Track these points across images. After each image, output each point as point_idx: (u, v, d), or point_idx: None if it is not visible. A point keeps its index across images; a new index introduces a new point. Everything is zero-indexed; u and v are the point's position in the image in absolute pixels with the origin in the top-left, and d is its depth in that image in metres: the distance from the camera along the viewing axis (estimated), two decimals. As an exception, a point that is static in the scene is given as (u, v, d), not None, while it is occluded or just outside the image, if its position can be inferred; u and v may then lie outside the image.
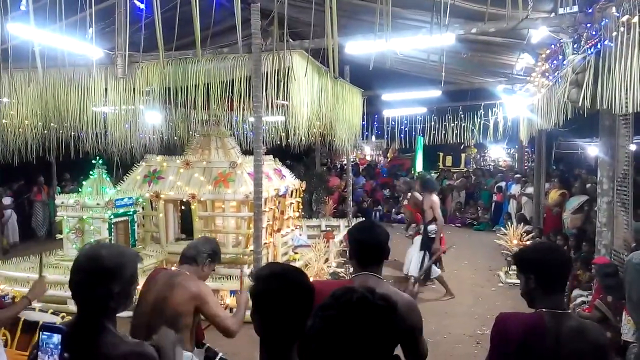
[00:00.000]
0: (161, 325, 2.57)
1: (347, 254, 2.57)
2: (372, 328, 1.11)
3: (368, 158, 19.58)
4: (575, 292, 6.31)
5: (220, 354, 3.15)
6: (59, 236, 6.96)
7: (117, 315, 1.74)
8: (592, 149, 11.89)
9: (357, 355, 1.10)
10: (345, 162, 12.29)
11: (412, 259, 7.30)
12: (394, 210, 14.22)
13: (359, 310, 1.13)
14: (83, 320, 1.67)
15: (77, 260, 1.72)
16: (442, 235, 7.26)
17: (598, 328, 2.12)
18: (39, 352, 1.46)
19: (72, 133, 7.00)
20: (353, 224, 2.74)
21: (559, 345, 1.98)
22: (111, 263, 1.68)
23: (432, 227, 7.18)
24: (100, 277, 1.66)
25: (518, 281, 2.23)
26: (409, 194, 8.68)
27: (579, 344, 1.98)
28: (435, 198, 7.28)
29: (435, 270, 7.24)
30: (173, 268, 3.36)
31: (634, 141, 5.98)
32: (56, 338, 1.46)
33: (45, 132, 6.89)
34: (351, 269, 2.50)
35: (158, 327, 2.61)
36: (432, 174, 9.34)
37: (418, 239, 7.37)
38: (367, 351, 1.10)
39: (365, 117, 9.93)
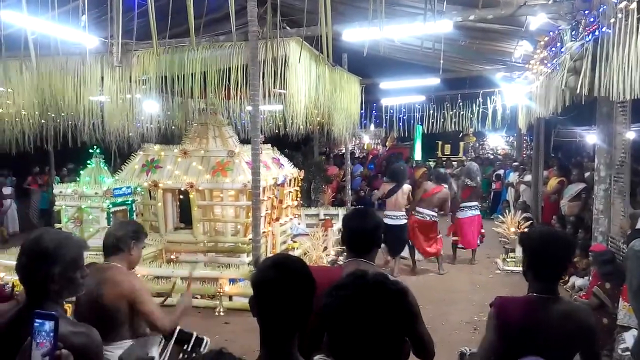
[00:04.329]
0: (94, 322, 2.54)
1: (340, 240, 2.58)
2: (385, 310, 1.15)
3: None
4: (573, 278, 6.35)
5: (195, 334, 3.00)
6: (57, 226, 6.96)
7: None
8: (591, 137, 11.86)
9: (370, 335, 1.14)
10: (343, 151, 12.26)
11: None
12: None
13: (374, 292, 1.18)
14: (29, 303, 1.73)
15: (22, 244, 1.79)
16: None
17: (585, 310, 2.16)
18: (32, 340, 1.45)
19: (70, 122, 6.97)
20: (348, 211, 2.74)
21: (547, 329, 2.01)
22: (50, 245, 1.73)
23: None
24: (39, 258, 1.71)
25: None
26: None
27: (566, 327, 2.01)
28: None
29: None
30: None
31: (632, 128, 5.97)
32: (49, 325, 1.45)
33: (43, 121, 6.87)
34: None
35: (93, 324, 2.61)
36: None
37: None
38: (379, 332, 1.14)
39: (363, 105, 9.89)
